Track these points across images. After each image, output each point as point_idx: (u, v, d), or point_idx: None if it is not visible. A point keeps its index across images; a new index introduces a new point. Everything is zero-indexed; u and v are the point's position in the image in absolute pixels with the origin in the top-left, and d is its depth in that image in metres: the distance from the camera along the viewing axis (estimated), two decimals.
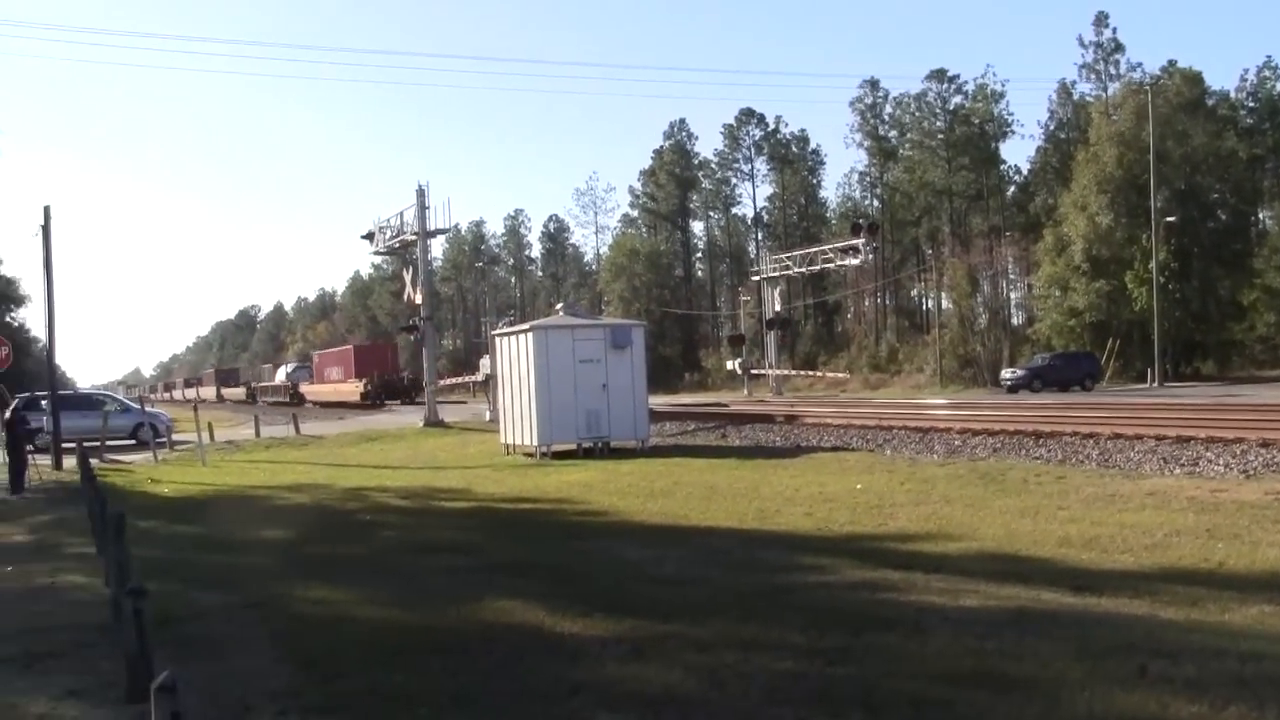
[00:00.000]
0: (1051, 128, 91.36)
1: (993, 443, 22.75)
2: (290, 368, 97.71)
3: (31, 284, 77.18)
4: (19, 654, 8.54)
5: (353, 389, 68.79)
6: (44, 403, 33.25)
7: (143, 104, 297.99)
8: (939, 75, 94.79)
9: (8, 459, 24.39)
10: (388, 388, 68.41)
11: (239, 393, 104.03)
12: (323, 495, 21.46)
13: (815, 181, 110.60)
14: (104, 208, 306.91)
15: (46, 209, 29.54)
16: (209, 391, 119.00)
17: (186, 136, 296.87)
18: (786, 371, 70.78)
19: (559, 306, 37.06)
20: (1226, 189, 74.08)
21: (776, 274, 64.00)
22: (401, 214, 46.63)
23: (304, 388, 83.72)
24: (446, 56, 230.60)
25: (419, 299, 46.04)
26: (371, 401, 65.58)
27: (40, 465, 26.49)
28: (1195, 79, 71.04)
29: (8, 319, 79.48)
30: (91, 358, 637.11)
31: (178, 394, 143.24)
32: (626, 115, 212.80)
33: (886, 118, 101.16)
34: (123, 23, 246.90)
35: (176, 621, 9.16)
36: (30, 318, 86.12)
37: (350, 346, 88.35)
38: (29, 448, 25.48)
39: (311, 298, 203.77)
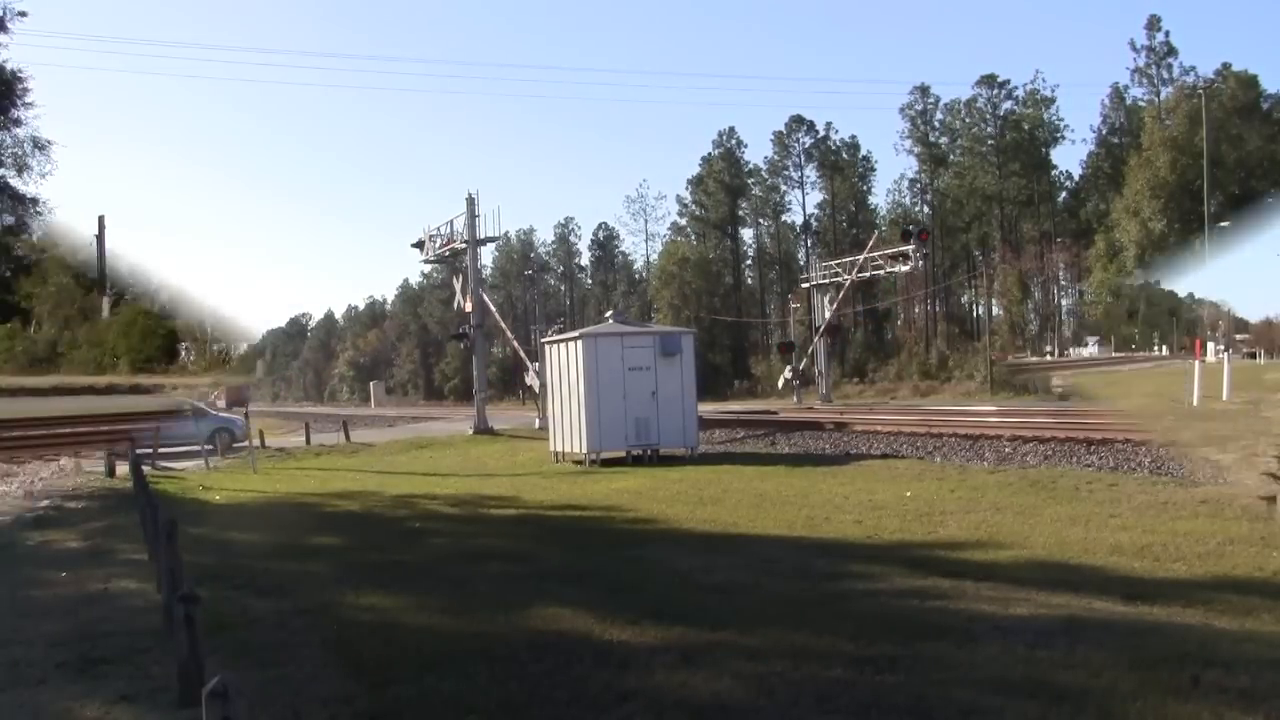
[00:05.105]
0: (1103, 133, 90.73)
1: (1044, 450, 22.58)
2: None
3: None
4: (74, 659, 8.65)
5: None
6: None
7: (193, 114, 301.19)
8: (989, 81, 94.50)
9: None
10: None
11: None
12: (372, 502, 21.56)
13: (865, 188, 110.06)
14: (156, 217, 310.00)
15: (100, 218, 30.05)
16: None
17: (237, 145, 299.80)
18: (836, 378, 70.46)
19: (608, 314, 37.03)
20: None
21: (826, 281, 63.69)
22: (451, 222, 46.83)
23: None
24: (497, 65, 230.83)
25: (469, 307, 46.20)
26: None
27: (91, 473, 26.67)
28: (1250, 82, 69.87)
29: None
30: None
31: None
32: (676, 123, 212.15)
33: (937, 124, 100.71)
34: (171, 34, 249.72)
35: (229, 628, 9.24)
36: None
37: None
38: None
39: (361, 306, 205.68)
